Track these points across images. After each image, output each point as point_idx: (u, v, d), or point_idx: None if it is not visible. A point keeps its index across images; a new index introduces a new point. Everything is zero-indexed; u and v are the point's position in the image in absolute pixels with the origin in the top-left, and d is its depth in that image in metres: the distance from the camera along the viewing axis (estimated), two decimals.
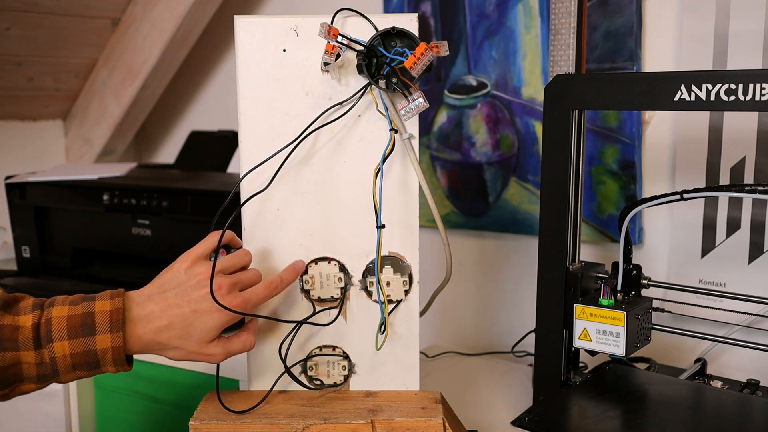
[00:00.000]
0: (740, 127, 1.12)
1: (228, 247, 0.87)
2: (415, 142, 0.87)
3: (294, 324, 0.89)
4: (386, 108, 0.85)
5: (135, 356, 0.83)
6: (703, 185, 1.16)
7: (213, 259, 0.82)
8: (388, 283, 0.89)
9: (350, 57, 0.85)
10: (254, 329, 0.87)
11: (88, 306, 0.78)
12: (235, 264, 0.84)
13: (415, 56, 0.80)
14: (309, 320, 0.90)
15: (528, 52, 1.32)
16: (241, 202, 0.88)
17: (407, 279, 0.90)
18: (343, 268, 0.90)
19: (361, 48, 0.83)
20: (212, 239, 0.84)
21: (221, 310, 0.80)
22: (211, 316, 0.80)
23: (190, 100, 2.00)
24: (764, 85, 0.78)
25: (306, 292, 0.91)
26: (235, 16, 0.87)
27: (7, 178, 1.56)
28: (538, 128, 1.33)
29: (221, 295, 0.80)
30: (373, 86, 0.85)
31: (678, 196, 0.90)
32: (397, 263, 0.90)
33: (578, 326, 0.95)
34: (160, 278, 0.83)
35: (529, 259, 1.33)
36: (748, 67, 1.08)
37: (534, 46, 1.31)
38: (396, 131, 0.86)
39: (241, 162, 0.89)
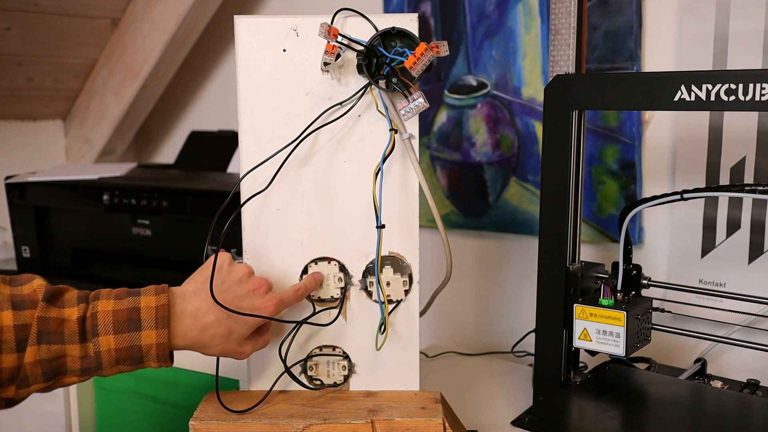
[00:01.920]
0: (740, 127, 1.12)
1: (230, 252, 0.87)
2: (415, 142, 0.87)
3: (294, 324, 0.89)
4: (386, 108, 0.85)
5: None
6: (703, 185, 1.16)
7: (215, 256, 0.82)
8: (388, 283, 0.89)
9: (350, 57, 0.85)
10: (271, 328, 0.89)
11: (134, 301, 0.78)
12: None
13: (415, 56, 0.80)
14: (309, 320, 0.90)
15: (528, 52, 1.32)
16: (241, 202, 0.88)
17: (407, 279, 0.90)
18: (343, 268, 0.90)
19: (361, 48, 0.83)
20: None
21: (261, 308, 0.82)
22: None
23: (190, 100, 2.00)
24: (764, 85, 0.78)
25: None
26: (235, 16, 0.87)
27: (7, 178, 1.57)
28: (538, 128, 1.33)
29: (262, 293, 0.83)
30: (373, 86, 0.85)
31: (678, 196, 0.90)
32: (397, 263, 0.90)
33: (578, 326, 0.95)
34: (201, 274, 0.83)
35: (529, 259, 1.33)
36: (748, 67, 1.08)
37: (534, 46, 1.31)
38: (396, 131, 0.86)
39: (241, 162, 0.89)
